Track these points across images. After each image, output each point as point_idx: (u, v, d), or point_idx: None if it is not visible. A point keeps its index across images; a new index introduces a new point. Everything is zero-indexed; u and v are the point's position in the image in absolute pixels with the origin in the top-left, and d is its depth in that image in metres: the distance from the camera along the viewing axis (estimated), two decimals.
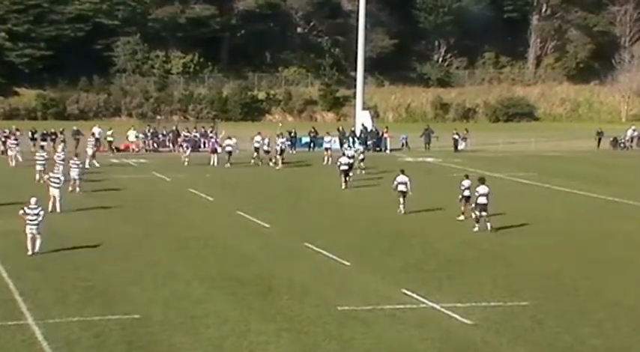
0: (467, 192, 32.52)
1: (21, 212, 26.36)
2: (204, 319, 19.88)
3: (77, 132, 60.14)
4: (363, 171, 47.80)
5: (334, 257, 26.35)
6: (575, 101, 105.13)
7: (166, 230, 30.76)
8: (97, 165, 49.48)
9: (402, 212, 34.14)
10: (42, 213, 26.41)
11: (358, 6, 69.89)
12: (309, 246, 27.97)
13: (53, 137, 58.03)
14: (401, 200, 34.26)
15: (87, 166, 46.55)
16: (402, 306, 21.14)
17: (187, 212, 35.12)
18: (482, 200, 30.67)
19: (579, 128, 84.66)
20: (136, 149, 60.45)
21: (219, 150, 52.47)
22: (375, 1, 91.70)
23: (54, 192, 33.67)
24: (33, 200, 26.41)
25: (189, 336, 18.72)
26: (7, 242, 27.65)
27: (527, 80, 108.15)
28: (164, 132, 63.08)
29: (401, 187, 34.26)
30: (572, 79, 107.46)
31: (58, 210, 33.18)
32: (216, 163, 51.43)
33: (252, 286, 22.84)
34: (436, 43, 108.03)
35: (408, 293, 22.23)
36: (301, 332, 19.11)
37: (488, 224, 30.71)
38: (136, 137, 61.54)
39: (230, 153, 51.85)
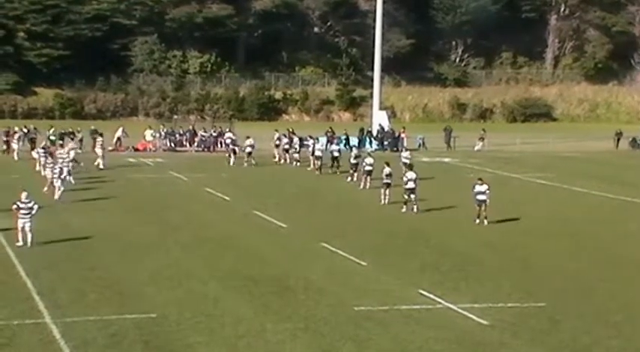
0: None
1: (14, 206, 26.93)
2: (219, 318, 19.89)
3: (95, 132, 60.29)
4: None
5: (351, 257, 26.31)
6: (593, 101, 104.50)
7: (183, 229, 30.79)
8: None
9: (483, 222, 32.09)
10: (35, 206, 26.97)
11: (375, 6, 69.81)
12: (326, 246, 27.94)
13: (72, 137, 58.16)
14: (481, 209, 32.19)
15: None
16: (418, 307, 21.09)
17: (204, 212, 35.18)
18: (410, 185, 34.37)
19: (597, 129, 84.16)
20: (153, 149, 60.67)
21: (237, 150, 52.75)
22: (392, 1, 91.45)
23: (56, 183, 36.76)
24: (24, 194, 27.00)
25: (204, 336, 18.73)
26: None
27: (544, 80, 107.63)
28: (181, 132, 63.36)
29: (480, 197, 32.28)
30: (591, 80, 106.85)
31: (56, 197, 35.96)
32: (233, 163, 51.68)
33: (268, 286, 22.84)
34: (453, 43, 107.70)
35: (425, 293, 22.18)
36: (317, 333, 19.09)
37: (415, 207, 34.19)
38: (153, 137, 61.79)
39: (229, 146, 53.62)
